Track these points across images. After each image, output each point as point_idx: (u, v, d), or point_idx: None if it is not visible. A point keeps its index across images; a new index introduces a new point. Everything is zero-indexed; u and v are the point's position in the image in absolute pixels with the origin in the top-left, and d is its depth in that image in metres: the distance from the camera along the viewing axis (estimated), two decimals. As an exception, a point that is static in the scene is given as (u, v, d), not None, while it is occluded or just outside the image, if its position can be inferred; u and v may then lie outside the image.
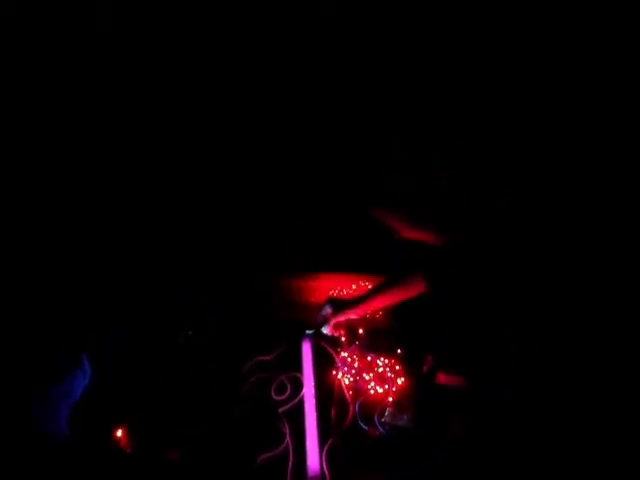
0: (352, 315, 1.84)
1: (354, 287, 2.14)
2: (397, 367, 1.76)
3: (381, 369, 1.76)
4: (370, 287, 2.01)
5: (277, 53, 2.13)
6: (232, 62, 2.16)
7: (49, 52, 2.00)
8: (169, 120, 2.22)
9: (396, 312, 1.96)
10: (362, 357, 1.81)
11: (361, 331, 1.91)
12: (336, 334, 1.88)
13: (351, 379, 1.74)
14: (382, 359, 1.79)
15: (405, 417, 1.56)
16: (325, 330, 1.84)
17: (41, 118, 2.06)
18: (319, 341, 1.88)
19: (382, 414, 1.59)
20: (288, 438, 1.53)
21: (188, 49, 2.12)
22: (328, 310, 1.83)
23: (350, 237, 2.14)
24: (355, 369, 1.77)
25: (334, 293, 2.12)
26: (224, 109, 2.24)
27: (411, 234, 1.60)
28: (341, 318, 1.82)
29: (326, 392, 1.70)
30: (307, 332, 1.87)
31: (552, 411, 1.43)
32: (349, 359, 1.81)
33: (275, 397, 1.69)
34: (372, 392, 1.69)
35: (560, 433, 1.37)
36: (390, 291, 1.80)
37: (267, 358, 1.84)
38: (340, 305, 1.83)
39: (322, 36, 2.04)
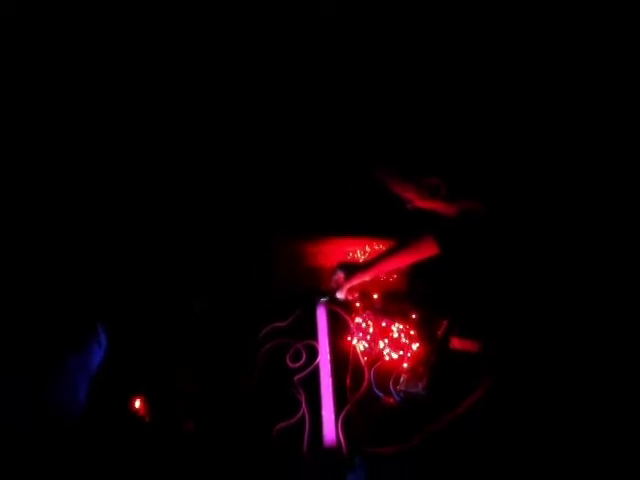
0: (365, 278, 1.81)
1: (368, 249, 2.10)
2: (412, 332, 1.74)
3: (396, 335, 1.75)
4: (382, 249, 1.98)
5: (277, 53, 2.10)
6: (232, 62, 2.13)
7: (49, 52, 1.98)
8: (166, 118, 2.20)
9: (410, 276, 1.93)
10: (376, 322, 1.80)
11: (375, 296, 1.89)
12: (350, 298, 1.86)
13: (366, 345, 1.74)
14: (397, 324, 1.78)
15: (420, 385, 1.56)
16: (339, 295, 1.82)
17: (41, 117, 2.03)
18: (333, 307, 1.87)
19: (397, 381, 1.59)
20: (304, 406, 1.54)
21: (188, 49, 2.09)
22: (340, 275, 1.80)
23: (361, 201, 2.09)
24: (370, 335, 1.77)
25: (348, 256, 2.09)
26: (224, 108, 2.21)
27: (424, 204, 1.57)
28: (354, 282, 1.80)
29: (341, 358, 1.70)
30: (321, 299, 1.85)
31: (565, 379, 1.42)
32: (364, 325, 1.81)
33: (290, 365, 1.69)
34: (387, 358, 1.68)
35: (574, 403, 1.36)
36: (401, 253, 1.78)
37: (282, 324, 1.84)
38: (351, 269, 1.81)
39: (322, 36, 2.00)
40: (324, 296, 1.86)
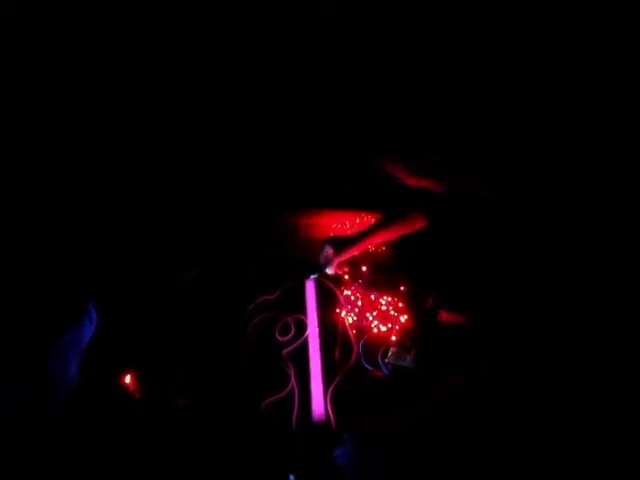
0: (354, 252, 1.80)
1: (357, 221, 2.09)
2: (400, 305, 1.75)
3: (384, 307, 1.76)
4: (371, 222, 1.97)
5: (277, 53, 2.06)
6: (231, 61, 2.09)
7: (49, 52, 1.95)
8: (163, 109, 2.15)
9: (399, 248, 1.92)
10: (365, 295, 1.80)
11: (364, 268, 1.89)
12: (340, 272, 1.85)
13: (355, 318, 1.75)
14: (385, 297, 1.78)
15: (408, 358, 1.58)
16: (329, 271, 1.81)
17: (40, 116, 2.00)
18: (322, 280, 1.86)
19: (385, 354, 1.60)
20: (293, 380, 1.56)
21: (188, 48, 2.06)
22: (329, 250, 1.79)
23: (350, 176, 2.06)
24: (358, 307, 1.77)
25: (337, 228, 2.07)
26: (223, 106, 2.17)
27: (414, 182, 1.56)
28: (344, 257, 1.79)
29: (330, 331, 1.71)
30: (311, 276, 1.83)
31: (552, 355, 1.44)
32: (352, 297, 1.81)
33: (279, 338, 1.70)
34: (375, 331, 1.70)
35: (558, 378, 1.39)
36: (390, 227, 1.78)
37: (271, 297, 1.83)
38: (340, 243, 1.79)
39: (322, 36, 1.97)
40: (314, 272, 1.84)
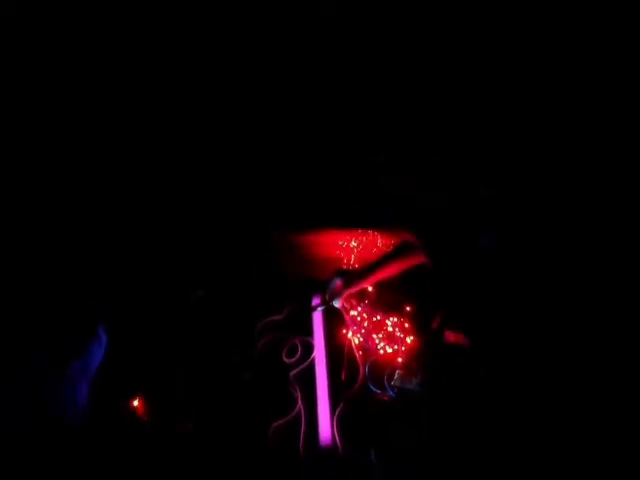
0: (364, 286, 1.81)
1: (364, 239, 2.10)
2: (406, 325, 1.76)
3: (390, 328, 1.77)
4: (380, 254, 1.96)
5: (277, 53, 2.06)
6: (231, 61, 2.10)
7: (49, 52, 1.96)
8: (166, 114, 2.17)
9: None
10: (371, 316, 1.81)
11: (370, 289, 1.89)
12: (347, 306, 1.83)
13: (361, 339, 1.75)
14: (391, 318, 1.79)
15: (414, 380, 1.58)
16: (336, 304, 1.79)
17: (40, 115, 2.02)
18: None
19: (391, 377, 1.61)
20: (300, 403, 1.57)
21: (188, 48, 2.07)
22: (338, 282, 1.77)
23: (354, 194, 2.08)
24: (364, 328, 1.78)
25: (343, 246, 2.08)
26: (223, 106, 2.18)
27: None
28: (353, 290, 1.79)
29: (336, 353, 1.72)
30: (318, 309, 1.80)
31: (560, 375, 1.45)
32: (358, 318, 1.82)
33: (286, 360, 1.71)
34: (382, 352, 1.70)
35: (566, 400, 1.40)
36: (398, 262, 1.78)
37: (278, 318, 1.85)
38: (350, 277, 1.78)
39: (322, 36, 1.96)
40: (321, 305, 1.81)
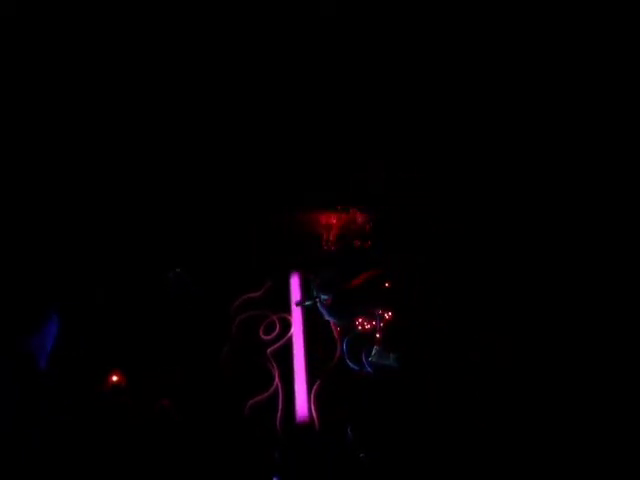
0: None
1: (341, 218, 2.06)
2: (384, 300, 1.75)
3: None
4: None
5: (277, 52, 2.06)
6: (231, 61, 2.09)
7: (49, 52, 1.97)
8: (164, 106, 2.12)
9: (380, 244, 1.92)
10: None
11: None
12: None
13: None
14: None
15: (392, 356, 1.58)
16: (327, 317, 1.70)
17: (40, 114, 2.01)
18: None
19: (369, 353, 1.60)
20: (277, 380, 1.56)
21: (188, 48, 2.06)
22: (328, 300, 1.69)
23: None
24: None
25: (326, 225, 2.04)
26: (223, 104, 2.14)
27: None
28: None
29: (314, 329, 1.71)
30: (305, 303, 1.74)
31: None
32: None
33: (263, 337, 1.70)
34: (360, 328, 1.69)
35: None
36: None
37: (256, 295, 1.82)
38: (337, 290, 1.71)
39: (322, 36, 1.98)
40: (307, 301, 1.74)
